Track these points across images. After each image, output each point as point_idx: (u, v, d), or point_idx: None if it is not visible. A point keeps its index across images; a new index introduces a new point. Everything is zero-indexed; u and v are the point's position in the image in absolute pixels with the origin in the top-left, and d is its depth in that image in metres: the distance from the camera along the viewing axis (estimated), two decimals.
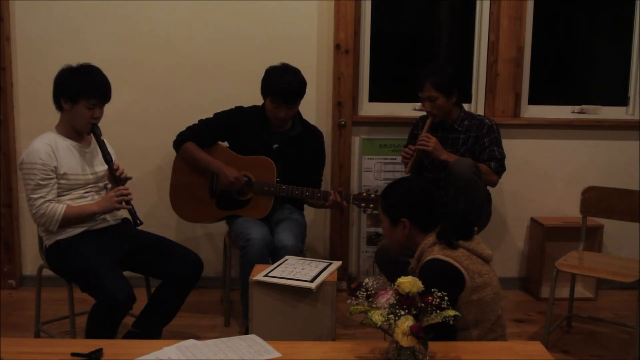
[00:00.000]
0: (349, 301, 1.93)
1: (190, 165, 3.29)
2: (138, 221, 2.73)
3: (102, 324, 2.59)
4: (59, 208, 2.67)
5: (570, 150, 3.93)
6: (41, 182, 2.65)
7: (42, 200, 2.65)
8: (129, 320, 2.84)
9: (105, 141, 2.80)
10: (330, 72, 3.76)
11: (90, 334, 2.62)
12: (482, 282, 2.13)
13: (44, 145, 2.69)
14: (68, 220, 2.69)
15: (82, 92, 2.71)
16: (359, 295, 1.88)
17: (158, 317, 2.85)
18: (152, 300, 2.87)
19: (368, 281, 1.89)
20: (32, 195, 2.66)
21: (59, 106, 2.78)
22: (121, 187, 2.72)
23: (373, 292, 1.87)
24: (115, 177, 2.76)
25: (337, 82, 3.74)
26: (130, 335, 2.80)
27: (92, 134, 2.81)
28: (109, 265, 2.63)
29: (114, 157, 2.80)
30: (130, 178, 2.81)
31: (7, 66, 3.66)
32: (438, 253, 2.15)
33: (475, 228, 2.28)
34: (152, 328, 2.81)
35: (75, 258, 2.67)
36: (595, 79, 4.30)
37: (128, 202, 2.71)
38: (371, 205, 3.05)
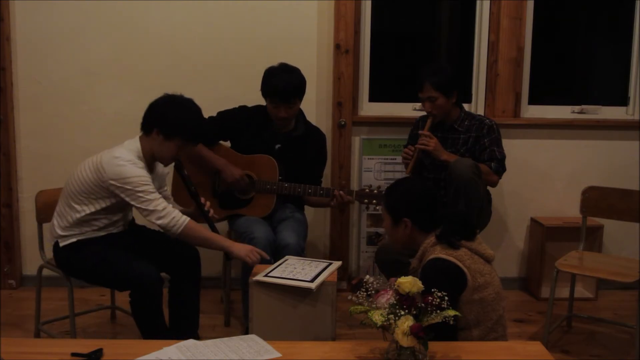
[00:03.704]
0: (349, 297, 1.93)
1: (193, 163, 3.29)
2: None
3: (149, 309, 2.62)
4: (183, 217, 2.61)
5: (570, 150, 3.93)
6: (153, 190, 2.61)
7: (163, 204, 2.60)
8: None
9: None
10: (330, 72, 3.76)
11: (143, 325, 2.65)
12: (483, 282, 2.13)
13: (136, 161, 2.63)
14: (191, 230, 2.61)
15: (180, 132, 2.65)
16: (360, 294, 1.88)
17: (186, 320, 2.85)
18: (172, 309, 2.86)
19: (369, 277, 1.90)
20: (148, 198, 2.57)
21: (148, 131, 2.68)
22: (261, 250, 2.60)
23: (373, 290, 1.87)
24: (204, 213, 2.75)
25: (337, 82, 3.74)
26: None
27: (175, 168, 2.82)
28: (130, 254, 2.67)
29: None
30: (217, 219, 2.84)
31: (7, 66, 3.66)
32: (440, 252, 2.15)
33: (478, 230, 2.28)
34: (187, 332, 2.76)
35: (97, 253, 2.67)
36: (595, 79, 4.30)
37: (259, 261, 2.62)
38: (374, 201, 3.04)
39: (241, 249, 2.54)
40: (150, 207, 2.56)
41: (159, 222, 2.58)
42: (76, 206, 2.66)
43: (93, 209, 2.66)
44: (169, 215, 2.58)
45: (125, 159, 2.58)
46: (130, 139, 2.71)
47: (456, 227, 2.21)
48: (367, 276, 1.91)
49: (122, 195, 2.59)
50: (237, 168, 3.19)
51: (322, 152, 3.39)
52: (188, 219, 2.61)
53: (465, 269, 2.11)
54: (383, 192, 2.98)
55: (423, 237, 2.25)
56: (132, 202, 2.59)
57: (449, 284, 2.06)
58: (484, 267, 2.17)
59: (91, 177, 2.62)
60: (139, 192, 2.56)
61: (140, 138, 2.70)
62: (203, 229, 2.66)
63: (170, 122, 2.64)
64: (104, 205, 2.66)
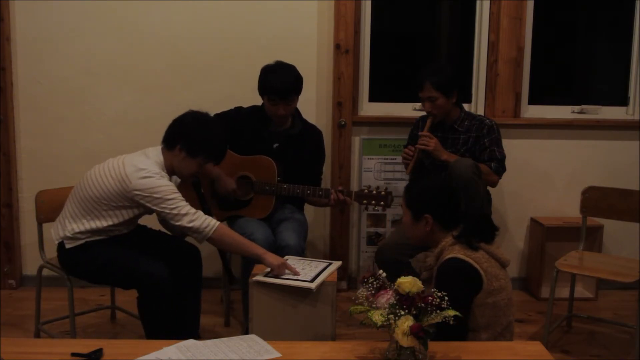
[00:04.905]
0: (359, 290, 1.93)
1: None
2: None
3: (157, 308, 2.62)
4: (214, 220, 2.60)
5: (570, 150, 3.93)
6: (182, 198, 2.61)
7: (194, 209, 2.60)
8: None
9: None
10: (330, 72, 3.76)
11: (148, 324, 2.66)
12: (498, 286, 2.14)
13: (163, 174, 2.65)
14: (222, 236, 2.61)
15: (204, 150, 2.68)
16: (371, 286, 1.88)
17: (186, 320, 2.87)
18: (173, 309, 2.84)
19: (382, 272, 1.90)
20: (179, 204, 2.58)
21: (170, 146, 2.70)
22: (295, 268, 2.51)
23: (373, 290, 1.87)
24: None
25: (337, 82, 3.74)
26: None
27: (193, 185, 2.86)
28: (137, 253, 2.69)
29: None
30: None
31: (7, 66, 3.66)
32: (459, 252, 2.15)
33: (497, 233, 2.29)
34: (187, 332, 2.77)
35: (104, 253, 2.67)
36: (595, 79, 4.30)
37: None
38: (372, 201, 3.04)
39: (274, 260, 2.49)
40: (183, 212, 2.57)
41: (190, 224, 2.57)
42: (99, 215, 2.65)
43: (117, 221, 2.67)
44: (201, 217, 2.58)
45: (152, 171, 2.59)
46: (152, 148, 2.72)
47: (477, 228, 2.21)
48: (381, 271, 1.92)
49: (149, 205, 2.59)
50: (230, 179, 3.18)
51: (320, 148, 3.39)
52: (219, 222, 2.60)
53: (482, 272, 2.11)
54: (382, 193, 3.00)
55: (443, 235, 2.25)
56: (161, 209, 2.58)
57: (465, 284, 2.06)
58: (500, 271, 2.18)
59: (115, 186, 2.61)
60: (170, 199, 2.56)
61: (162, 150, 2.70)
62: (235, 234, 2.66)
63: (195, 140, 2.66)
64: (127, 217, 2.67)
